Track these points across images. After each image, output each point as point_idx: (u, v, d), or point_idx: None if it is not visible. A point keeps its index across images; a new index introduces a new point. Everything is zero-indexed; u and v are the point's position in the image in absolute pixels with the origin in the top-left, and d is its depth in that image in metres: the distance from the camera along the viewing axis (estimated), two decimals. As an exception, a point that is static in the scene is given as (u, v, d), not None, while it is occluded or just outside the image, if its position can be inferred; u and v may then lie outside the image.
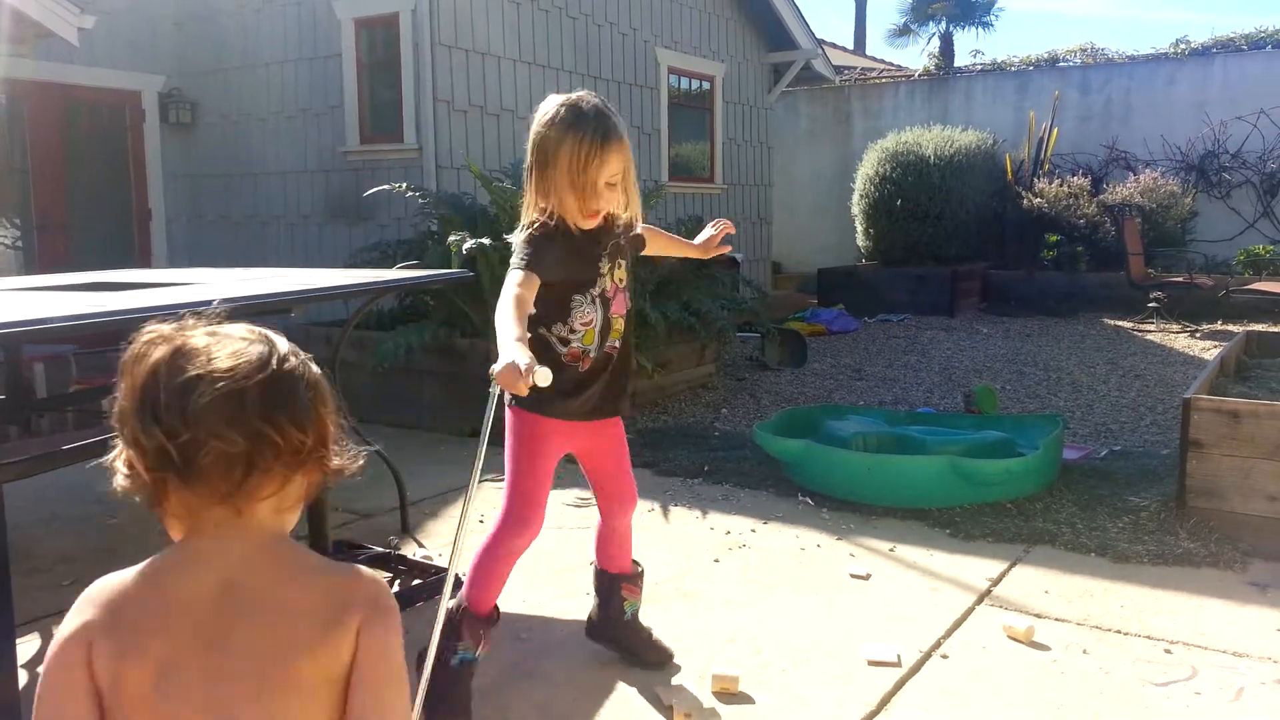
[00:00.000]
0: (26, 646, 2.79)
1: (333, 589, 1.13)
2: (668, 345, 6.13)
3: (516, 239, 2.28)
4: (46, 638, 2.91)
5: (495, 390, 1.99)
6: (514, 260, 2.24)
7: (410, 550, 3.63)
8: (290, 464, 1.10)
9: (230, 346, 1.10)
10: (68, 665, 1.06)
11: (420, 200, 6.50)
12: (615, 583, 2.66)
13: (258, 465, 1.08)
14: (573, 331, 2.33)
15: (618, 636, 2.70)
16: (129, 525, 3.96)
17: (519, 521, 2.34)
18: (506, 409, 2.37)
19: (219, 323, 1.15)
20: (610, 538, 2.64)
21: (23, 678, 2.47)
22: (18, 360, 3.56)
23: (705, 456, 4.87)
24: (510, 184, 6.29)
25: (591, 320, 2.34)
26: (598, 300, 2.34)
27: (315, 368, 1.17)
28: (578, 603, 3.15)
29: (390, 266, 5.91)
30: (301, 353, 1.17)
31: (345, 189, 8.17)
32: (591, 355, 2.36)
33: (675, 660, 2.71)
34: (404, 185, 6.59)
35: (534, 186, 2.28)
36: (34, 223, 8.19)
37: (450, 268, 5.47)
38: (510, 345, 1.97)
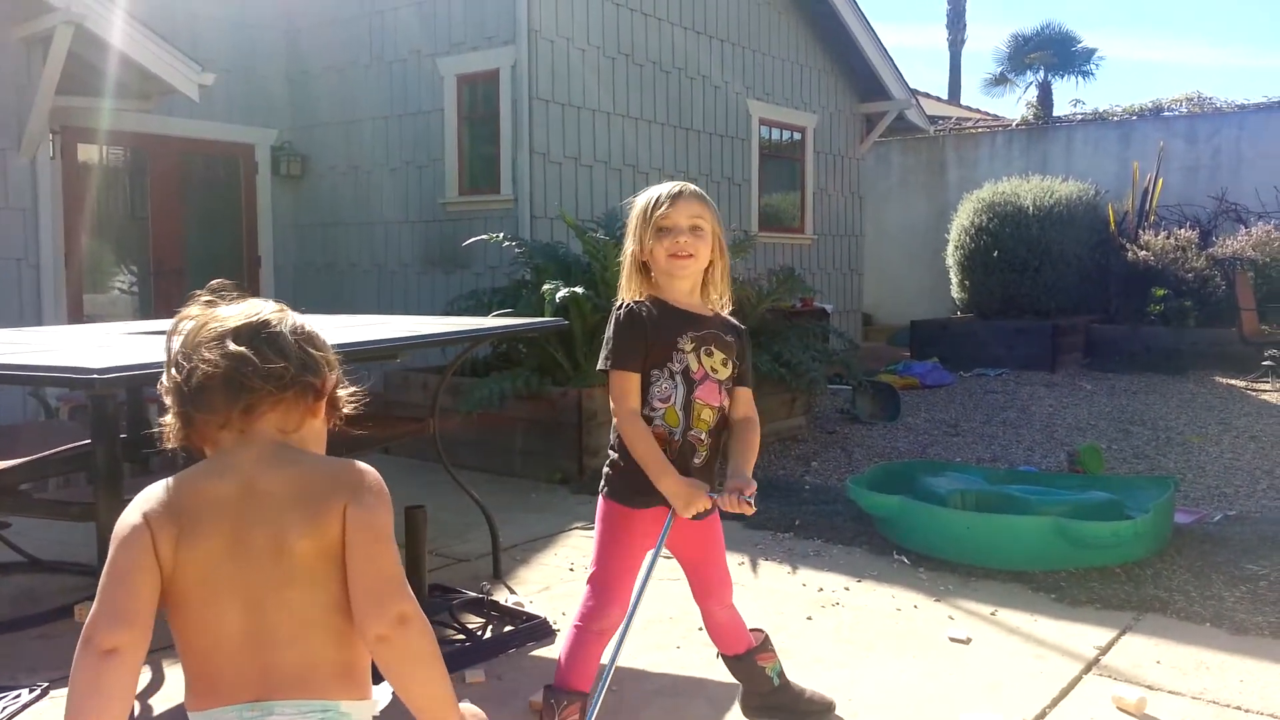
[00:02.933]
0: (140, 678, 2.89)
1: (321, 478, 1.35)
2: (758, 396, 6.09)
3: (613, 321, 2.35)
4: (156, 670, 3.01)
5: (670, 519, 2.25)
6: (608, 353, 2.31)
7: (501, 595, 3.66)
8: (276, 386, 1.34)
9: (234, 308, 1.40)
10: (136, 545, 1.29)
11: (516, 249, 6.64)
12: (748, 660, 2.63)
13: (244, 385, 1.32)
14: (653, 409, 2.31)
15: (777, 704, 2.67)
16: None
17: (602, 607, 2.36)
18: (600, 496, 2.40)
19: (242, 299, 1.43)
20: (713, 624, 2.61)
21: (135, 709, 2.54)
22: (140, 400, 3.73)
23: (795, 510, 4.80)
24: (603, 234, 6.39)
25: (670, 397, 2.31)
26: (679, 376, 2.31)
27: (305, 322, 1.45)
28: (668, 655, 3.12)
29: (485, 314, 6.03)
30: (304, 322, 1.45)
31: (443, 238, 8.41)
32: (677, 439, 2.32)
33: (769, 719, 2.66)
34: (500, 235, 6.75)
35: (630, 265, 2.35)
36: (151, 269, 8.62)
37: (542, 315, 5.56)
38: (670, 477, 2.23)
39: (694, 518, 2.32)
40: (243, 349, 1.33)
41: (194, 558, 1.30)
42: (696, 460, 2.36)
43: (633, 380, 2.29)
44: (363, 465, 1.39)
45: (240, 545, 1.31)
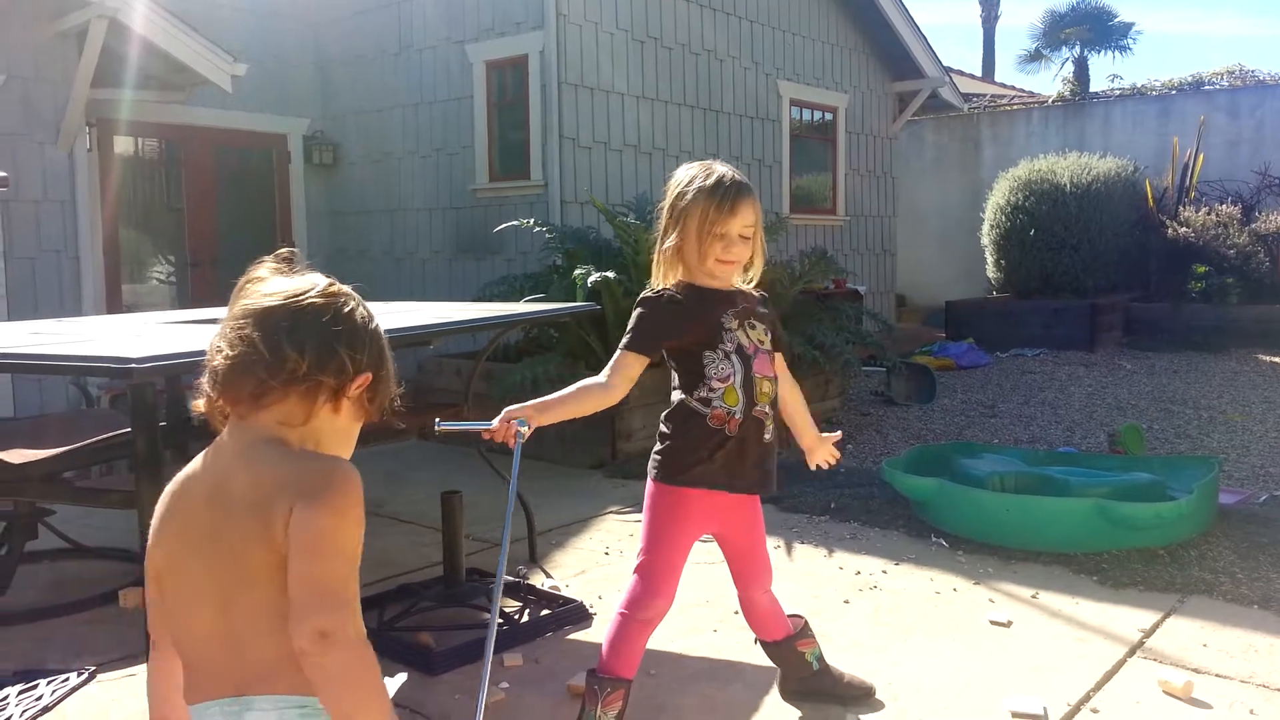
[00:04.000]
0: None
1: (280, 480, 1.25)
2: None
3: (640, 304, 2.32)
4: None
5: (525, 436, 2.26)
6: (632, 332, 2.29)
7: (538, 579, 3.67)
8: (281, 380, 1.27)
9: (280, 285, 1.32)
10: (149, 551, 1.32)
11: (547, 235, 6.63)
12: (787, 646, 2.62)
13: (249, 372, 1.27)
14: (711, 390, 2.28)
15: (814, 687, 2.66)
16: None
17: (652, 594, 2.34)
18: (649, 480, 2.38)
19: (303, 273, 1.36)
20: (754, 611, 2.59)
21: (177, 693, 2.58)
22: (177, 389, 3.77)
23: (831, 493, 4.77)
24: (634, 218, 6.36)
25: (729, 376, 2.28)
26: (734, 356, 2.29)
27: (357, 311, 1.34)
28: (705, 639, 3.12)
29: (517, 300, 6.04)
30: (353, 296, 1.35)
31: (474, 225, 8.42)
32: (737, 417, 2.29)
33: (808, 704, 2.64)
34: (531, 220, 6.75)
35: (665, 253, 2.31)
36: (187, 259, 8.72)
37: (573, 300, 5.56)
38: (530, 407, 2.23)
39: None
40: (256, 335, 1.27)
41: (164, 555, 1.31)
42: (766, 436, 2.35)
43: (639, 364, 2.27)
44: (334, 467, 1.29)
45: (206, 546, 1.27)
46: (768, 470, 2.39)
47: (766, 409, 2.33)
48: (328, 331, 1.30)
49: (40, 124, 6.73)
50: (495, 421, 2.19)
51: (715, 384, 2.28)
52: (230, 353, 1.27)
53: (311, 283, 1.34)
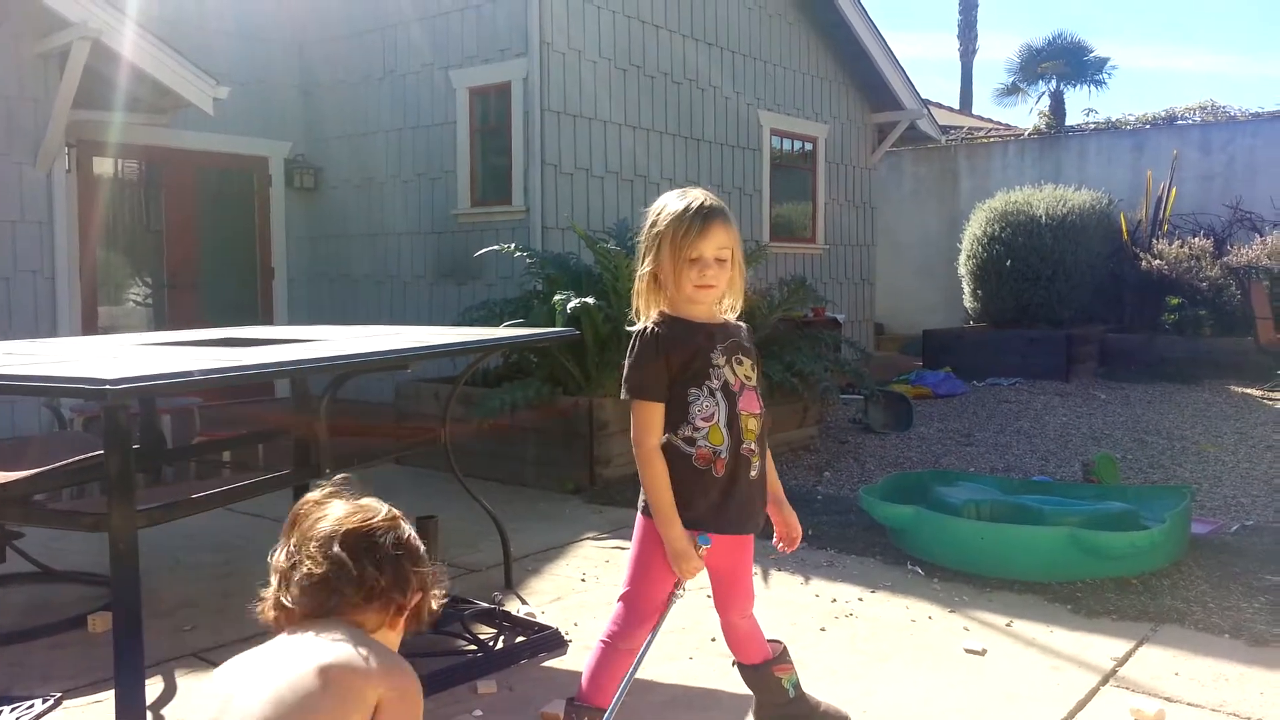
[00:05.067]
0: (150, 690, 2.89)
1: (364, 672, 1.40)
2: (769, 405, 6.08)
3: (630, 348, 2.30)
4: (169, 681, 3.01)
5: (680, 594, 2.32)
6: (630, 383, 2.28)
7: (513, 606, 3.65)
8: (363, 597, 1.45)
9: (347, 509, 1.51)
10: None
11: (527, 260, 6.65)
12: (765, 671, 2.62)
13: (335, 589, 1.44)
14: (696, 429, 2.27)
15: (790, 714, 2.64)
16: (246, 573, 4.08)
17: (633, 626, 2.34)
18: (639, 515, 2.37)
19: (358, 497, 1.55)
20: (733, 634, 2.59)
21: (145, 720, 2.55)
22: (153, 412, 3.74)
23: (808, 520, 4.75)
24: (615, 244, 6.39)
25: (713, 415, 2.28)
26: (719, 394, 2.28)
27: (412, 534, 1.54)
28: (680, 666, 3.11)
29: (497, 324, 6.04)
30: (405, 523, 1.54)
31: (455, 250, 8.43)
32: (723, 457, 2.28)
33: (781, 731, 2.63)
34: (512, 246, 6.76)
35: (643, 279, 2.31)
36: (165, 281, 8.67)
37: (553, 325, 5.56)
38: (675, 528, 2.24)
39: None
40: (343, 555, 1.44)
41: None
42: (752, 474, 2.33)
43: (657, 412, 2.25)
44: (410, 670, 1.47)
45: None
46: (756, 509, 2.38)
47: (753, 446, 2.32)
48: (399, 551, 1.50)
49: (20, 143, 6.70)
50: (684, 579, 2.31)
51: (700, 423, 2.27)
52: (315, 570, 1.44)
53: (373, 507, 1.54)
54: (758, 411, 2.35)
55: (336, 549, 1.44)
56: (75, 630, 3.38)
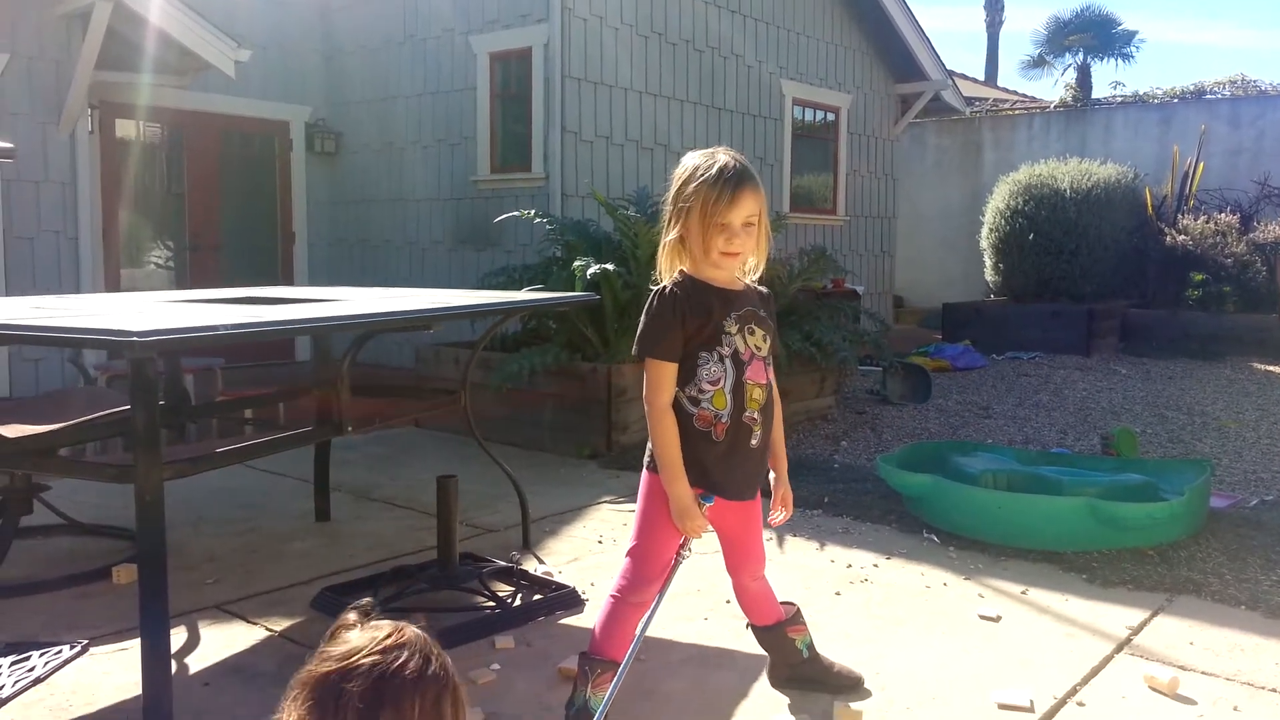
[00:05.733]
0: (173, 639, 2.94)
1: None
2: (788, 375, 6.08)
3: (647, 306, 2.31)
4: (192, 632, 3.07)
5: (687, 554, 2.32)
6: (645, 340, 2.27)
7: (531, 565, 3.68)
8: None
9: (360, 643, 1.24)
10: None
11: (547, 226, 6.65)
12: (778, 632, 2.65)
13: None
14: (701, 391, 2.29)
15: (803, 675, 2.67)
16: (268, 530, 4.14)
17: (644, 579, 2.36)
18: (644, 470, 2.38)
19: (377, 629, 1.27)
20: (744, 596, 2.62)
21: (171, 668, 2.59)
22: (176, 369, 3.78)
23: (824, 488, 4.79)
24: (635, 212, 6.38)
25: (719, 380, 2.29)
26: (728, 360, 2.29)
27: (442, 671, 1.24)
28: (696, 627, 3.14)
29: (516, 290, 6.05)
30: (433, 655, 1.24)
31: (475, 216, 8.43)
32: (724, 421, 2.29)
33: (797, 692, 2.66)
34: (532, 212, 6.76)
35: (668, 244, 2.31)
36: (187, 243, 8.72)
37: (572, 292, 5.57)
38: (681, 484, 2.25)
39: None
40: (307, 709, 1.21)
41: None
42: (753, 442, 2.34)
43: (669, 371, 2.27)
44: None
45: None
46: (755, 475, 2.40)
47: (756, 415, 2.33)
48: (426, 702, 1.23)
49: (43, 105, 6.73)
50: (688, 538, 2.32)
51: (705, 385, 2.29)
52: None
53: (370, 638, 1.27)
54: (764, 382, 2.36)
55: (350, 712, 1.20)
56: (101, 581, 3.44)
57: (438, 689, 1.24)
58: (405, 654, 1.24)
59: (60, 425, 3.28)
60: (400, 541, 3.99)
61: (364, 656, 1.23)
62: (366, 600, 1.33)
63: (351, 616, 1.28)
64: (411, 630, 1.27)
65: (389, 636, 1.25)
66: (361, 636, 1.26)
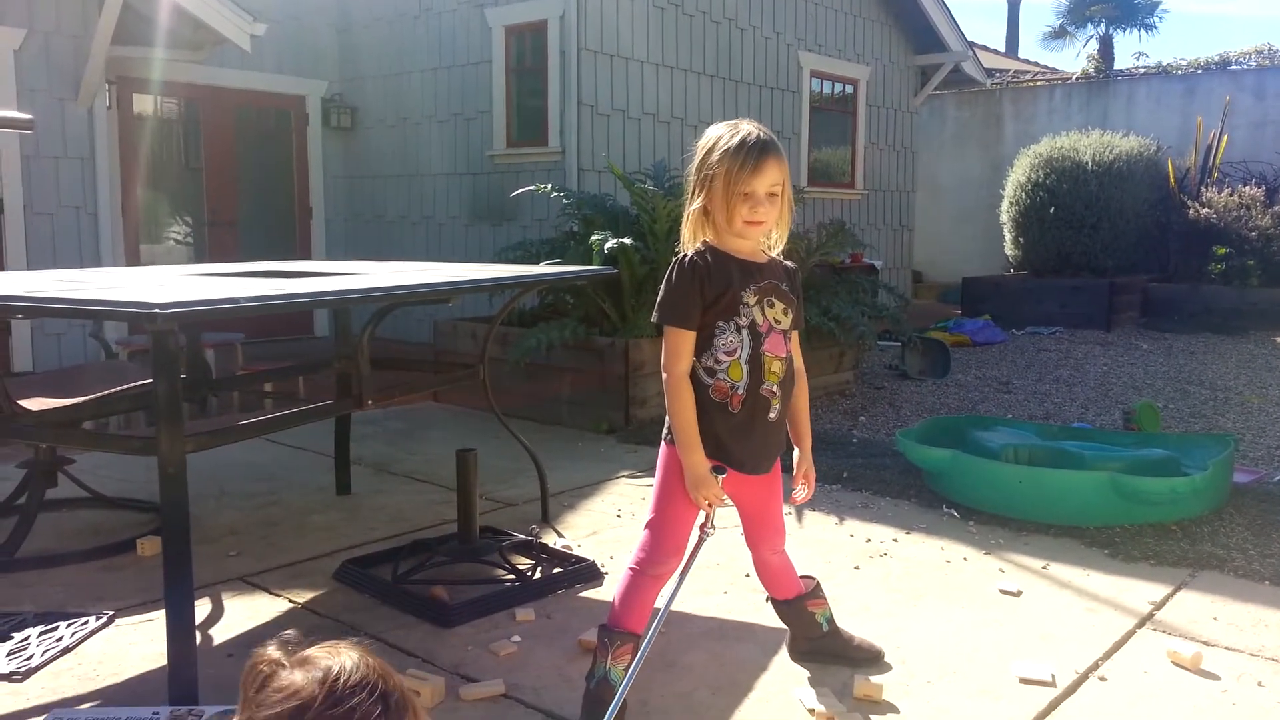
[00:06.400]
0: (197, 610, 2.97)
1: None
2: (806, 350, 6.04)
3: (668, 275, 2.29)
4: (216, 603, 3.09)
5: (711, 532, 2.29)
6: (664, 308, 2.26)
7: (550, 539, 3.70)
8: None
9: (304, 677, 1.08)
10: None
11: (564, 201, 6.62)
12: (798, 605, 2.65)
13: None
14: (717, 362, 2.28)
15: (823, 648, 2.68)
16: (289, 503, 4.17)
17: (662, 552, 2.36)
18: (663, 443, 2.38)
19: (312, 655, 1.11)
20: (764, 570, 2.62)
21: (196, 639, 2.62)
22: (197, 343, 3.79)
23: (843, 463, 4.78)
24: (652, 185, 6.34)
25: (736, 350, 2.27)
26: (745, 331, 2.28)
27: (397, 694, 1.10)
28: (716, 600, 3.14)
29: (534, 264, 6.03)
30: (380, 683, 1.09)
31: (491, 191, 8.41)
32: (740, 393, 2.28)
33: (817, 665, 2.66)
34: (549, 186, 6.73)
35: (693, 215, 2.29)
36: (205, 219, 8.74)
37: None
38: (696, 454, 2.24)
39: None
40: None
41: None
42: (771, 415, 2.33)
43: (688, 340, 2.26)
44: None
45: None
46: (771, 449, 2.39)
47: (774, 388, 2.32)
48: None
49: (61, 80, 6.74)
50: (712, 513, 2.30)
51: (722, 356, 2.28)
52: None
53: (335, 666, 1.10)
54: (784, 355, 2.34)
55: None
56: (126, 553, 3.47)
57: (399, 715, 1.10)
58: (361, 696, 1.08)
59: (83, 399, 3.31)
60: (420, 515, 4.00)
61: (317, 711, 1.06)
62: (290, 631, 1.16)
63: (272, 651, 1.11)
64: (347, 658, 1.10)
65: (336, 679, 1.08)
66: (302, 678, 1.08)
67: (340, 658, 1.10)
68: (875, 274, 9.60)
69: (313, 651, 1.11)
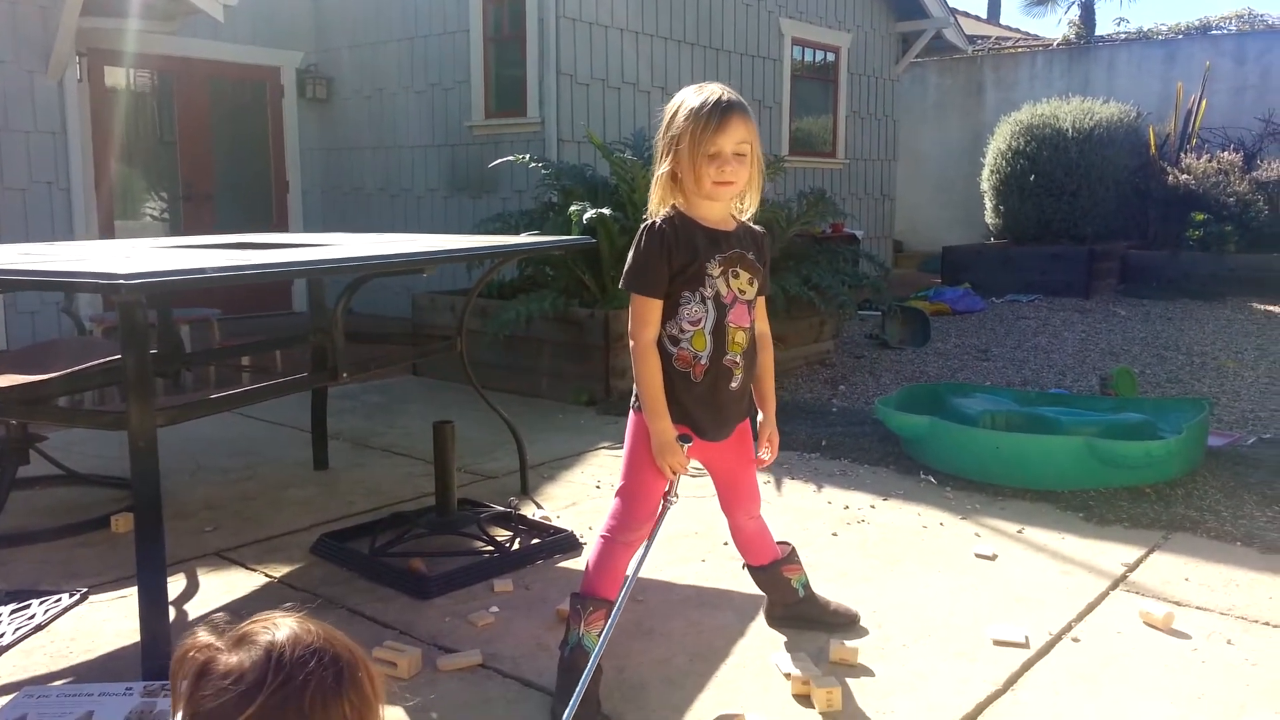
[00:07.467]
0: (173, 586, 2.96)
1: None
2: (786, 319, 6.05)
3: (635, 241, 2.28)
4: (191, 579, 3.08)
5: (674, 500, 2.29)
6: (632, 275, 2.25)
7: (529, 510, 3.69)
8: None
9: (244, 656, 1.01)
10: None
11: (543, 171, 6.57)
12: (773, 571, 2.66)
13: None
14: (681, 331, 2.28)
15: (800, 613, 2.70)
16: (266, 478, 4.15)
17: (633, 519, 2.36)
18: (631, 411, 2.38)
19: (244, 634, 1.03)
20: (740, 535, 2.63)
21: (170, 614, 2.61)
22: (169, 318, 3.75)
23: (823, 432, 4.79)
24: (631, 155, 6.29)
25: (700, 320, 2.27)
26: (710, 301, 2.27)
27: (348, 654, 1.03)
28: (693, 568, 3.15)
29: (513, 236, 5.99)
30: (329, 648, 1.02)
31: (470, 162, 8.34)
32: (703, 363, 2.29)
33: (794, 630, 2.68)
34: (527, 157, 6.67)
35: (661, 179, 2.26)
36: (180, 193, 8.64)
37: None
38: (663, 420, 2.24)
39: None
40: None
41: None
42: (733, 384, 2.34)
43: (655, 308, 2.25)
44: None
45: None
46: (733, 417, 2.39)
47: (737, 358, 2.32)
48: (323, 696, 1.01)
49: (29, 51, 6.61)
50: (676, 480, 2.30)
51: (686, 325, 2.28)
52: None
53: (272, 644, 1.02)
54: (747, 325, 2.34)
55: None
56: (99, 530, 3.45)
57: (354, 675, 1.03)
58: (311, 665, 1.01)
59: (53, 374, 3.27)
60: (399, 488, 4.00)
61: (271, 690, 0.98)
62: (218, 614, 1.10)
63: (203, 636, 1.03)
64: (285, 628, 1.02)
65: (281, 652, 1.00)
66: (244, 658, 1.00)
67: (279, 630, 1.01)
68: (856, 243, 9.58)
69: (247, 627, 1.03)
